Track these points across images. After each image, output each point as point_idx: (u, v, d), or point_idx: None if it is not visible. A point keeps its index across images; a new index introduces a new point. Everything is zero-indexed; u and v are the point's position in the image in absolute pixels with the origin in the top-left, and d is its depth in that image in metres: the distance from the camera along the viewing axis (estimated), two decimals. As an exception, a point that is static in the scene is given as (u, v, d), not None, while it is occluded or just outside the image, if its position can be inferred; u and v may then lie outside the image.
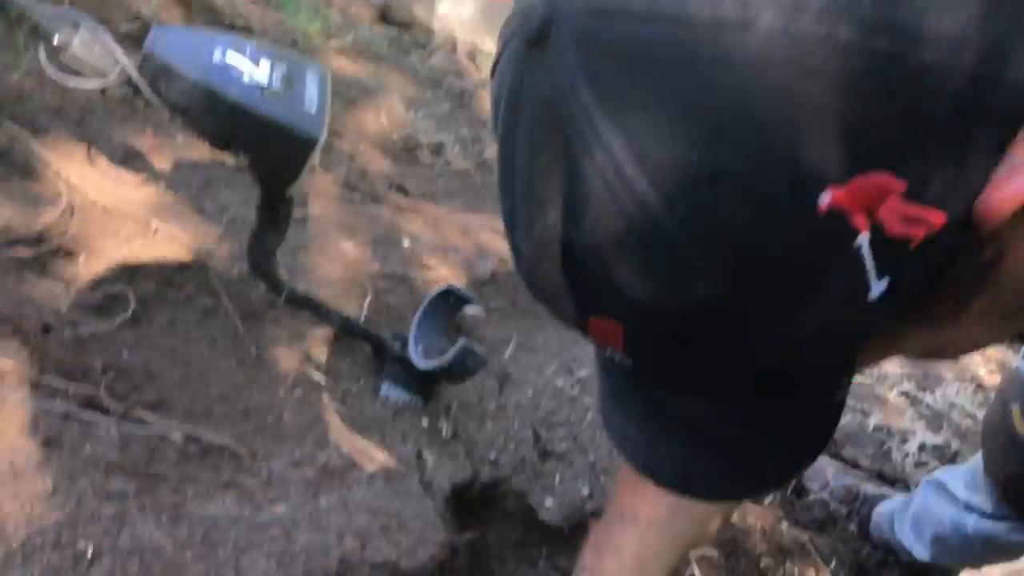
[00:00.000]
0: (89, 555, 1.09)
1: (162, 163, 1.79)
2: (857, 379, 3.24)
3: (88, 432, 1.22)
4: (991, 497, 1.66)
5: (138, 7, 2.23)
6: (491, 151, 3.34)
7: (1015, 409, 1.46)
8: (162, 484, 1.25)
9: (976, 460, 1.74)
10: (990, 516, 1.69)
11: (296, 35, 3.03)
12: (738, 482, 0.67)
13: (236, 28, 2.72)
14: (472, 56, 4.03)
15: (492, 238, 2.65)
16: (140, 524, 1.17)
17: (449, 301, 1.78)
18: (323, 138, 1.31)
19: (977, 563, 1.88)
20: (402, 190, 2.57)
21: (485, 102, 3.64)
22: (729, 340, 0.49)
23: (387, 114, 3.04)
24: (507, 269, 2.52)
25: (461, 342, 1.64)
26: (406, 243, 2.14)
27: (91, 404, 1.26)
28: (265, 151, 1.30)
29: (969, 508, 1.73)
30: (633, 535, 1.07)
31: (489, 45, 4.46)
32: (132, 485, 1.21)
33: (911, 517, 1.90)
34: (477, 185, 3.05)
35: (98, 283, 1.46)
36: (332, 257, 1.89)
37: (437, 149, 3.10)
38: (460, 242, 2.51)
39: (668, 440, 0.65)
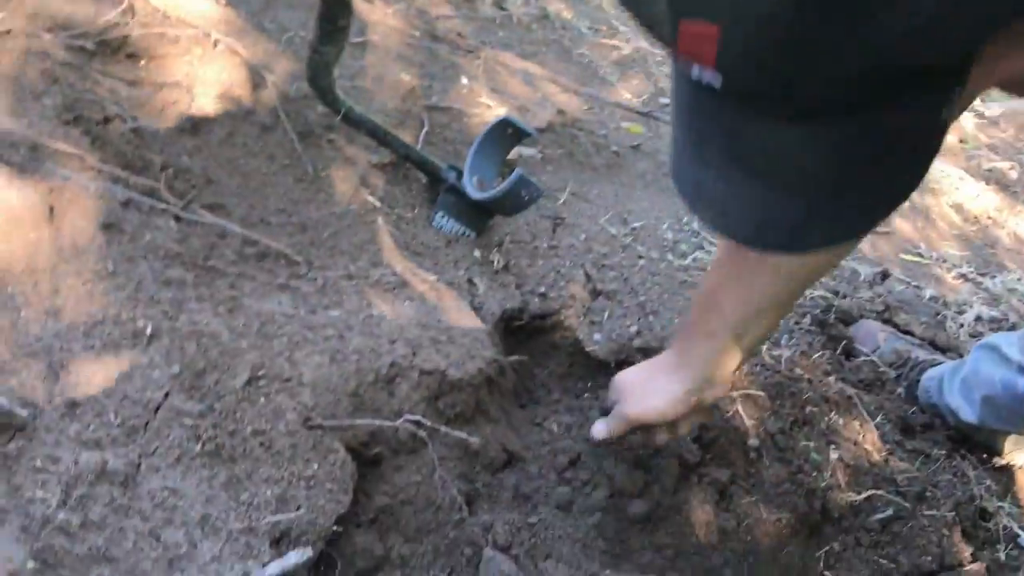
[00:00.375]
0: (148, 333, 1.12)
1: (222, -22, 1.76)
2: (913, 259, 3.19)
3: (148, 221, 1.23)
4: None
5: None
6: (553, 6, 3.25)
7: None
8: (219, 277, 1.27)
9: None
10: None
11: None
12: (818, 228, 0.62)
13: None
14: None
15: (551, 89, 2.60)
16: (198, 311, 1.20)
17: (507, 132, 1.75)
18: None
19: (1021, 426, 1.86)
20: (461, 36, 2.51)
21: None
22: (842, 26, 0.43)
23: (448, -39, 2.95)
24: (564, 120, 2.48)
25: (516, 172, 1.62)
26: (464, 81, 2.10)
27: (151, 196, 1.27)
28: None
29: (1022, 370, 1.70)
30: (736, 292, 1.09)
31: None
32: (190, 275, 1.23)
33: (961, 379, 1.88)
34: (537, 39, 2.98)
35: (158, 87, 1.46)
36: (389, 86, 1.86)
37: (498, 1, 3.02)
38: (518, 89, 2.47)
39: (747, 185, 0.61)
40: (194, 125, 1.49)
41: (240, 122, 1.57)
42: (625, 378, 1.35)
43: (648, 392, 1.27)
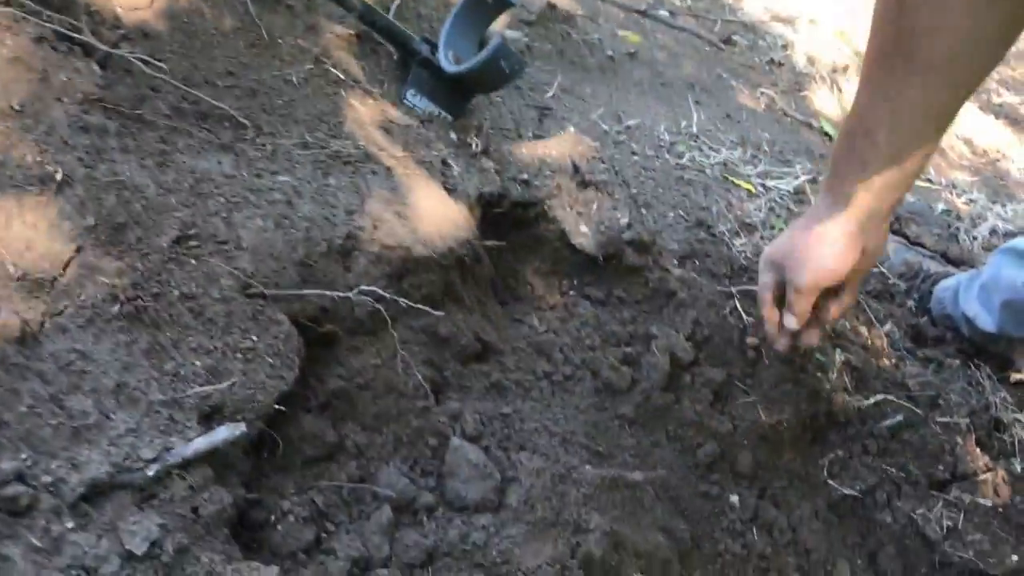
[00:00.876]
0: (59, 179, 0.97)
1: None
2: (924, 185, 3.04)
3: (65, 62, 1.07)
4: None
5: None
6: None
7: None
8: (149, 130, 1.11)
9: None
10: None
11: None
12: None
13: None
14: None
15: (541, -17, 2.42)
16: (121, 162, 1.04)
17: (487, 3, 1.58)
18: None
19: None
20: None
21: None
22: None
23: None
24: (556, 14, 2.31)
25: (497, 39, 1.46)
26: (443, -42, 1.93)
27: (71, 38, 1.11)
28: None
29: None
30: (886, 110, 0.99)
31: None
32: (114, 123, 1.07)
33: (980, 285, 1.73)
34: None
35: (88, -71, 1.29)
36: (359, -44, 1.69)
37: None
38: (505, -21, 2.29)
39: None
40: (131, -24, 1.32)
41: (185, -21, 1.40)
42: (777, 247, 1.22)
43: (811, 250, 1.13)
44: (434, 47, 1.57)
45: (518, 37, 1.97)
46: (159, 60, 1.23)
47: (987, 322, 1.71)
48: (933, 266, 2.02)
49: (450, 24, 1.57)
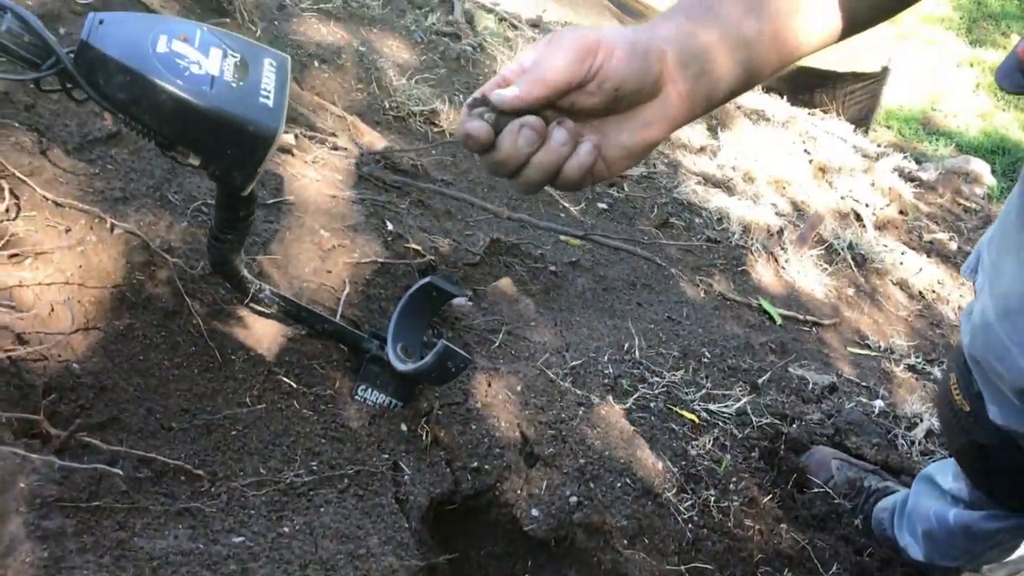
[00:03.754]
0: (19, 608, 1.00)
1: (122, 150, 1.66)
2: (863, 352, 3.16)
3: (23, 466, 1.12)
4: (967, 483, 1.58)
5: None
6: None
7: (952, 378, 1.36)
8: (106, 519, 1.15)
9: None
10: (968, 505, 1.60)
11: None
12: None
13: (213, -10, 2.58)
14: (470, 17, 3.85)
15: (483, 217, 2.53)
16: (80, 567, 1.08)
17: (431, 295, 1.67)
18: (281, 131, 1.19)
19: (966, 561, 1.78)
20: (390, 166, 2.44)
21: (484, 66, 3.48)
22: None
23: (377, 81, 2.89)
24: (499, 248, 2.41)
25: (440, 344, 1.53)
26: (390, 226, 2.02)
27: (29, 433, 1.16)
28: (216, 149, 1.18)
29: (955, 499, 1.64)
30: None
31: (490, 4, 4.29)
32: (72, 522, 1.11)
33: (906, 515, 1.82)
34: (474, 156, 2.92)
35: (45, 289, 1.35)
36: (308, 247, 1.77)
37: (430, 118, 2.96)
38: (449, 222, 2.39)
39: None
40: (85, 326, 1.38)
41: (139, 311, 1.46)
42: None
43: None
44: (383, 342, 1.64)
45: (463, 303, 2.05)
46: (116, 418, 1.28)
47: (916, 552, 1.79)
48: (874, 481, 2.09)
49: (396, 318, 1.64)
